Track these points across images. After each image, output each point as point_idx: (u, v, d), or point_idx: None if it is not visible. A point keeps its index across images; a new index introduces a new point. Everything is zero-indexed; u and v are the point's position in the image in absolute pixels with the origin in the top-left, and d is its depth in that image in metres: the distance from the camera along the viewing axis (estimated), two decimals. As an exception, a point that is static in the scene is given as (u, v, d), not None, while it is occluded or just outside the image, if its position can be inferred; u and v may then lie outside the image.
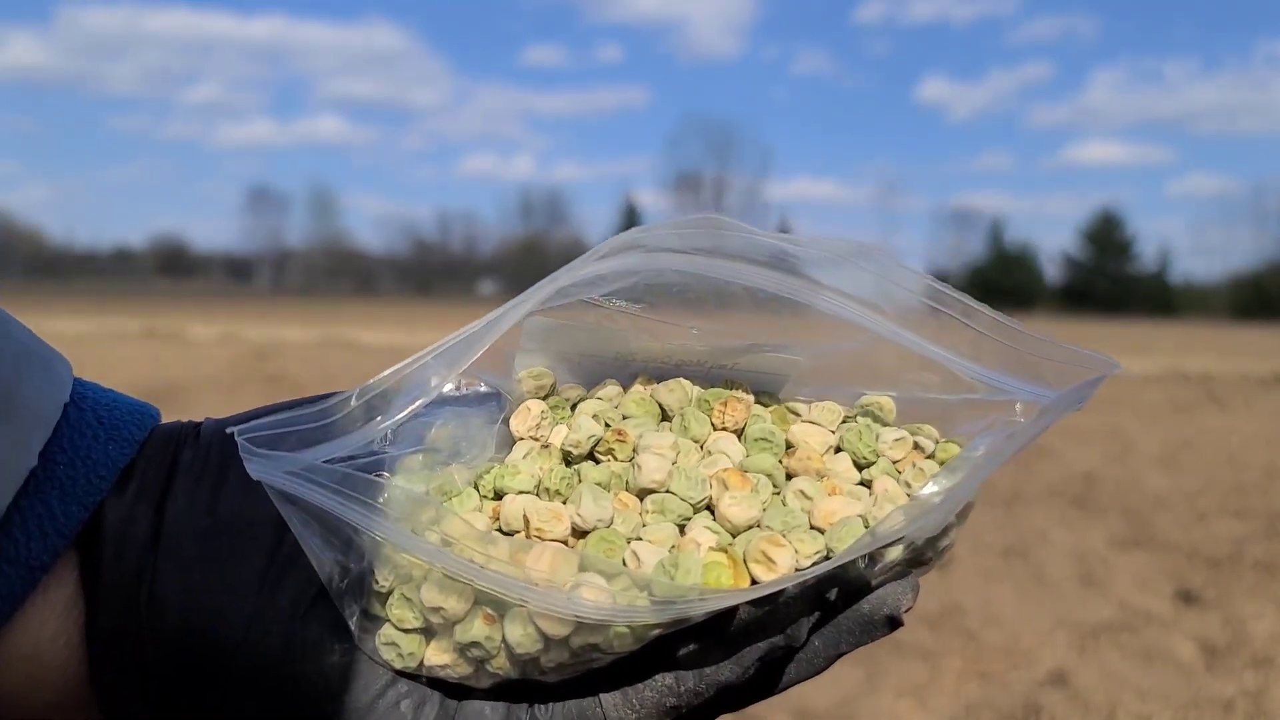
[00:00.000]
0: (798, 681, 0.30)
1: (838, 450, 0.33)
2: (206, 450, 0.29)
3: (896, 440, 0.32)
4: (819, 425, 0.33)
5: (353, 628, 0.28)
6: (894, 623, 0.29)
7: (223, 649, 0.27)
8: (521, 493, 0.29)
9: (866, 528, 0.28)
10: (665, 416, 0.33)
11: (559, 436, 0.31)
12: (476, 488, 0.30)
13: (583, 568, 0.27)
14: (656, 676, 0.28)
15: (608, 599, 0.25)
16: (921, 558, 0.31)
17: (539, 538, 0.27)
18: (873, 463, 0.32)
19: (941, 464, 0.31)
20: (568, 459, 0.31)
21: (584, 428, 0.31)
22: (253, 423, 0.28)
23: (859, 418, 0.33)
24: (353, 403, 0.29)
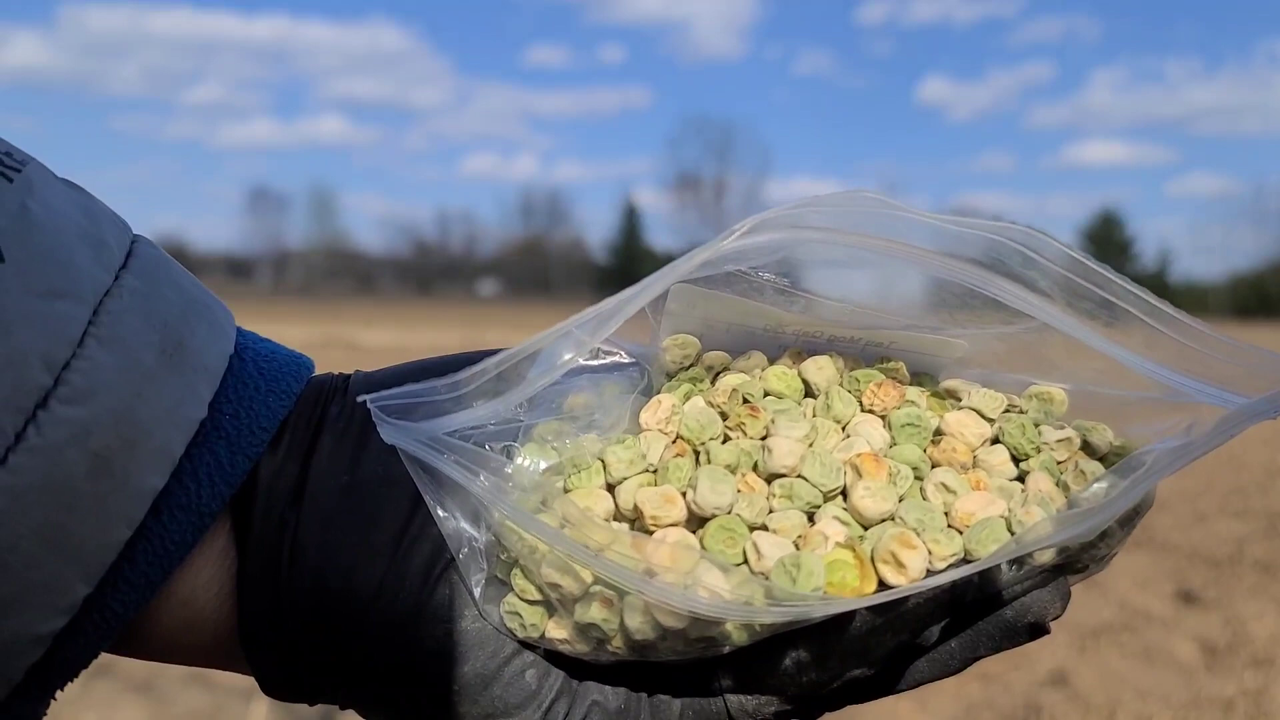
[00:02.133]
0: (929, 680, 0.29)
1: (995, 441, 0.30)
2: (353, 408, 0.30)
3: (1060, 440, 0.29)
4: (977, 413, 0.30)
5: (477, 595, 0.28)
6: (1038, 630, 0.28)
7: (355, 606, 0.27)
8: (628, 478, 0.28)
9: (1010, 531, 0.26)
10: (810, 395, 0.32)
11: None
12: (603, 463, 0.29)
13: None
14: (780, 669, 0.27)
15: (724, 596, 0.24)
16: (1077, 564, 0.29)
17: (655, 525, 0.27)
18: (1031, 456, 0.29)
19: (1109, 467, 0.29)
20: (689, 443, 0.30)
21: (693, 416, 0.29)
22: (385, 393, 0.28)
23: (1025, 409, 0.31)
24: (488, 373, 0.29)
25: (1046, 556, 0.27)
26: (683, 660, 0.28)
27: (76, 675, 0.27)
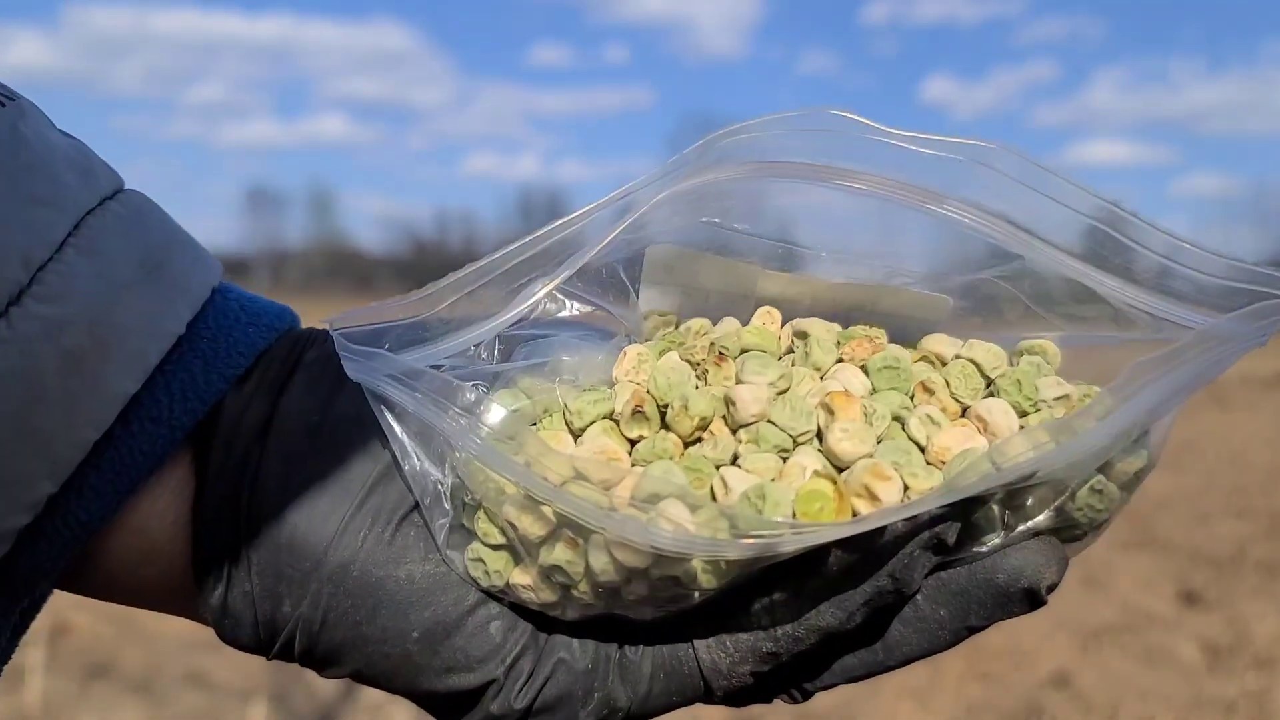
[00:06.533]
0: (919, 654, 0.27)
1: (988, 396, 0.28)
2: (330, 353, 0.29)
3: (1059, 398, 0.27)
4: (975, 366, 0.28)
5: (440, 541, 0.27)
6: (1033, 598, 0.25)
7: (316, 545, 0.27)
8: (592, 422, 0.27)
9: (993, 464, 0.24)
10: (788, 352, 0.30)
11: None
12: (566, 409, 0.28)
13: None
14: (752, 619, 0.26)
15: (687, 530, 0.23)
16: (1073, 527, 0.26)
17: (605, 487, 0.25)
18: (1030, 414, 0.27)
19: None
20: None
21: (663, 372, 0.28)
22: (349, 313, 0.28)
23: (1020, 364, 0.29)
24: (452, 303, 0.28)
25: (1042, 517, 0.26)
26: (654, 615, 0.26)
27: (37, 590, 0.27)
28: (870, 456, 0.25)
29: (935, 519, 0.24)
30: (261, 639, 0.28)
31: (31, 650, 1.75)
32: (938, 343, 0.30)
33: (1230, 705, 1.89)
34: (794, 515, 0.24)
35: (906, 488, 0.24)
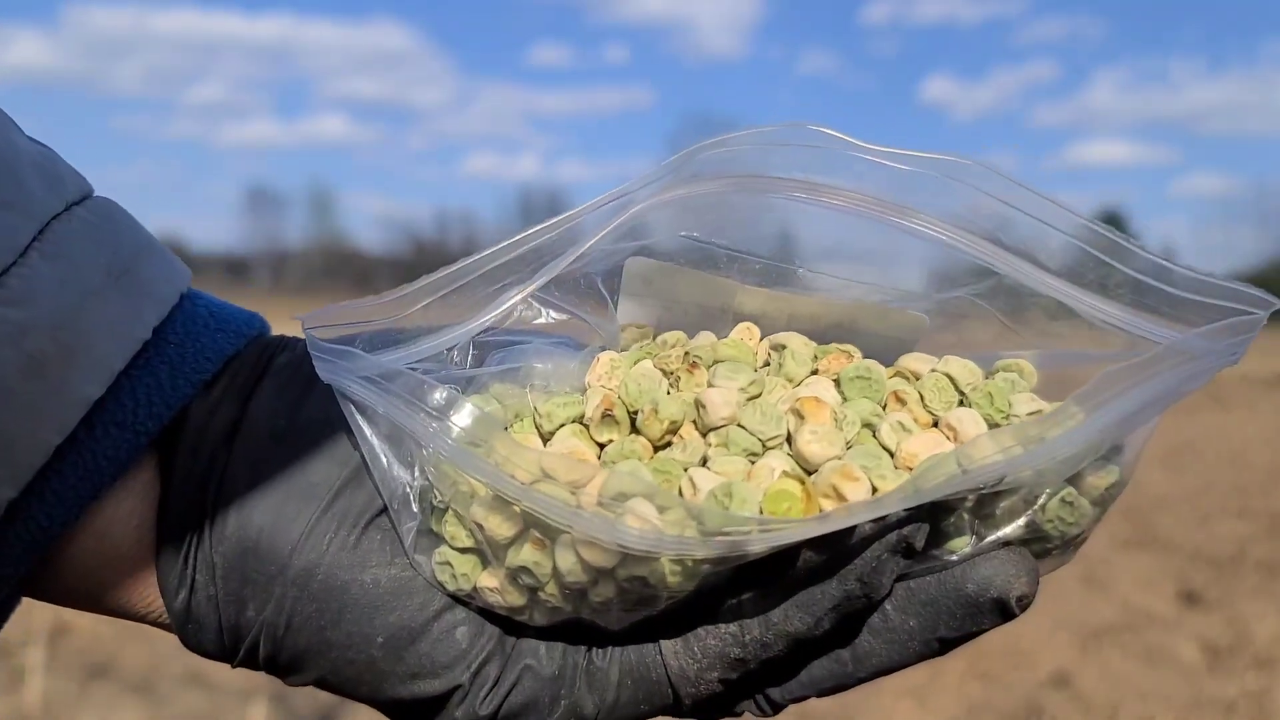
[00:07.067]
0: (890, 665, 0.26)
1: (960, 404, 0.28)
2: (300, 358, 0.29)
3: (1031, 413, 0.27)
4: (950, 379, 0.28)
5: (407, 544, 0.27)
6: (1003, 608, 0.25)
7: (281, 548, 0.26)
8: (563, 424, 0.27)
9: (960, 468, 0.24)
10: (764, 365, 0.30)
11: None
12: (536, 410, 0.28)
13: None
14: (720, 625, 0.25)
15: (654, 527, 0.23)
16: (1045, 540, 0.26)
17: (573, 489, 0.25)
18: (1000, 425, 0.27)
19: None
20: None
21: (635, 379, 0.28)
22: (322, 311, 0.27)
23: (995, 380, 0.28)
24: (427, 304, 0.28)
25: (1012, 527, 0.25)
26: (623, 622, 0.26)
27: (2, 598, 0.26)
28: (839, 459, 0.25)
29: (903, 521, 0.24)
30: (225, 645, 0.27)
31: (31, 650, 1.75)
32: (914, 360, 0.30)
33: (1230, 705, 1.89)
34: (761, 514, 0.23)
35: (875, 490, 0.24)
